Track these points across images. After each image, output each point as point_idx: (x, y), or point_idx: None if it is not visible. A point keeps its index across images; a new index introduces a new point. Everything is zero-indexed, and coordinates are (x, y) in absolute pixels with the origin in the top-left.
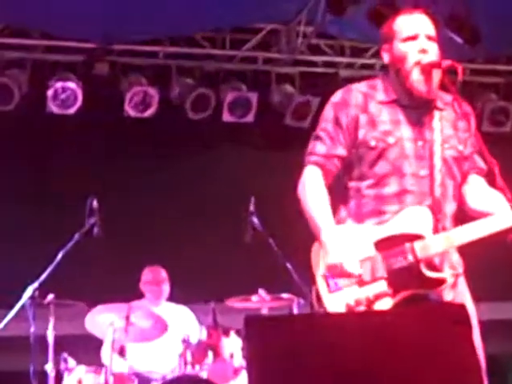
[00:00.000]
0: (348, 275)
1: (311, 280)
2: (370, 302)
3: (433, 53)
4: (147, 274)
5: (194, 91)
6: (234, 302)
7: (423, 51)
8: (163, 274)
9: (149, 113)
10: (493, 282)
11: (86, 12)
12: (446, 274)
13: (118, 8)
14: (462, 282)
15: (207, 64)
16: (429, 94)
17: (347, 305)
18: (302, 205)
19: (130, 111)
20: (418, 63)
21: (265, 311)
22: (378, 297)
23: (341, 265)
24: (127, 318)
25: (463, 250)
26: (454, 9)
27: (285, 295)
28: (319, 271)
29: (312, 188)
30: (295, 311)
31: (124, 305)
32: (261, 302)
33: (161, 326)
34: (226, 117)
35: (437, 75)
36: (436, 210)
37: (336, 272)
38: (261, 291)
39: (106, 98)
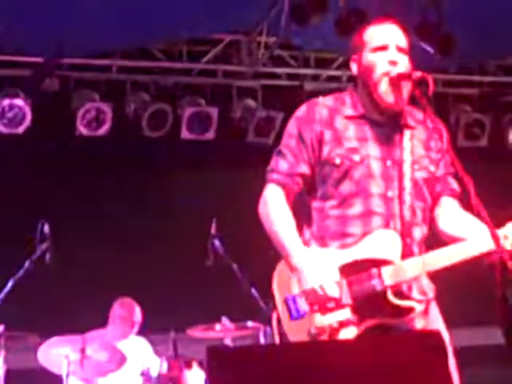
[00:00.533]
0: (329, 299)
1: (272, 305)
2: (334, 330)
3: (403, 65)
4: (122, 310)
5: (150, 107)
6: (196, 332)
7: (393, 63)
8: (138, 314)
9: (102, 131)
10: (467, 306)
11: (34, 25)
12: (415, 301)
13: (68, 20)
14: (433, 307)
15: (163, 78)
16: (397, 106)
17: (309, 333)
18: (266, 226)
19: (83, 129)
20: (386, 74)
21: (228, 341)
22: (342, 325)
23: (322, 288)
24: (82, 350)
25: (434, 273)
26: (425, 17)
27: (250, 323)
28: (282, 295)
29: (276, 209)
30: (261, 340)
31: (79, 336)
32: (224, 331)
33: (118, 359)
34: (185, 134)
35: (406, 88)
36: (405, 233)
37: (317, 297)
38: (224, 319)
39: (56, 116)
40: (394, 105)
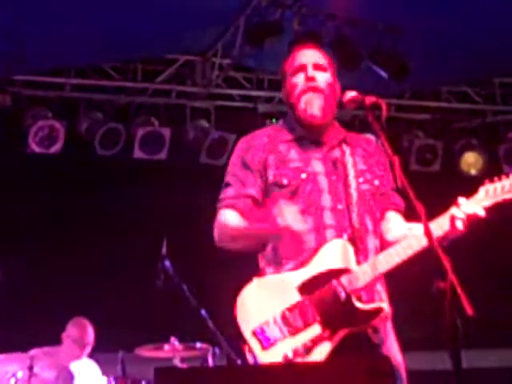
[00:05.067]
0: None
1: (241, 339)
2: (308, 349)
3: (321, 80)
4: (75, 330)
5: (103, 126)
6: (145, 351)
7: (310, 79)
8: (91, 335)
9: (55, 149)
10: (422, 331)
11: None
12: (380, 302)
13: (20, 34)
14: (390, 330)
15: (117, 97)
16: (320, 120)
17: (285, 357)
18: (232, 235)
19: (35, 147)
20: (305, 91)
21: (177, 361)
22: (314, 342)
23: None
24: (30, 368)
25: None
26: (380, 42)
27: (198, 344)
28: (249, 328)
29: (236, 220)
30: (210, 361)
31: (26, 354)
32: (173, 351)
33: (66, 378)
34: (137, 153)
35: (319, 101)
36: (356, 240)
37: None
38: (173, 339)
39: (8, 132)
40: (317, 120)
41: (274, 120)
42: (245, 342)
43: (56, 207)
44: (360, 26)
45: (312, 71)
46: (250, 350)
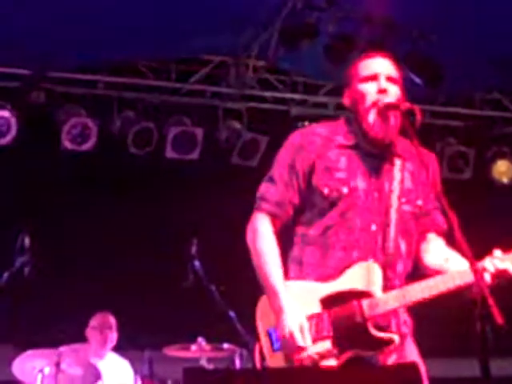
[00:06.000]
0: (298, 349)
1: (256, 337)
2: (314, 362)
3: (393, 94)
4: (94, 320)
5: (136, 125)
6: (172, 351)
7: (382, 91)
8: (111, 320)
9: (87, 146)
10: (445, 338)
11: (19, 36)
12: (394, 333)
13: (55, 32)
14: (409, 342)
15: (151, 96)
16: (385, 137)
17: (290, 365)
18: (254, 257)
19: (68, 144)
20: (375, 103)
21: (204, 361)
22: (322, 356)
23: (291, 336)
24: (57, 364)
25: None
26: (415, 48)
27: (226, 345)
28: (264, 327)
29: (264, 242)
30: (237, 363)
31: (54, 350)
32: (200, 351)
33: (93, 375)
34: (170, 153)
35: (395, 119)
36: (387, 266)
37: (286, 343)
38: (200, 340)
39: (42, 129)
40: (382, 136)
41: (306, 123)
42: (258, 339)
43: (86, 204)
44: (395, 30)
45: (385, 82)
46: (260, 350)
